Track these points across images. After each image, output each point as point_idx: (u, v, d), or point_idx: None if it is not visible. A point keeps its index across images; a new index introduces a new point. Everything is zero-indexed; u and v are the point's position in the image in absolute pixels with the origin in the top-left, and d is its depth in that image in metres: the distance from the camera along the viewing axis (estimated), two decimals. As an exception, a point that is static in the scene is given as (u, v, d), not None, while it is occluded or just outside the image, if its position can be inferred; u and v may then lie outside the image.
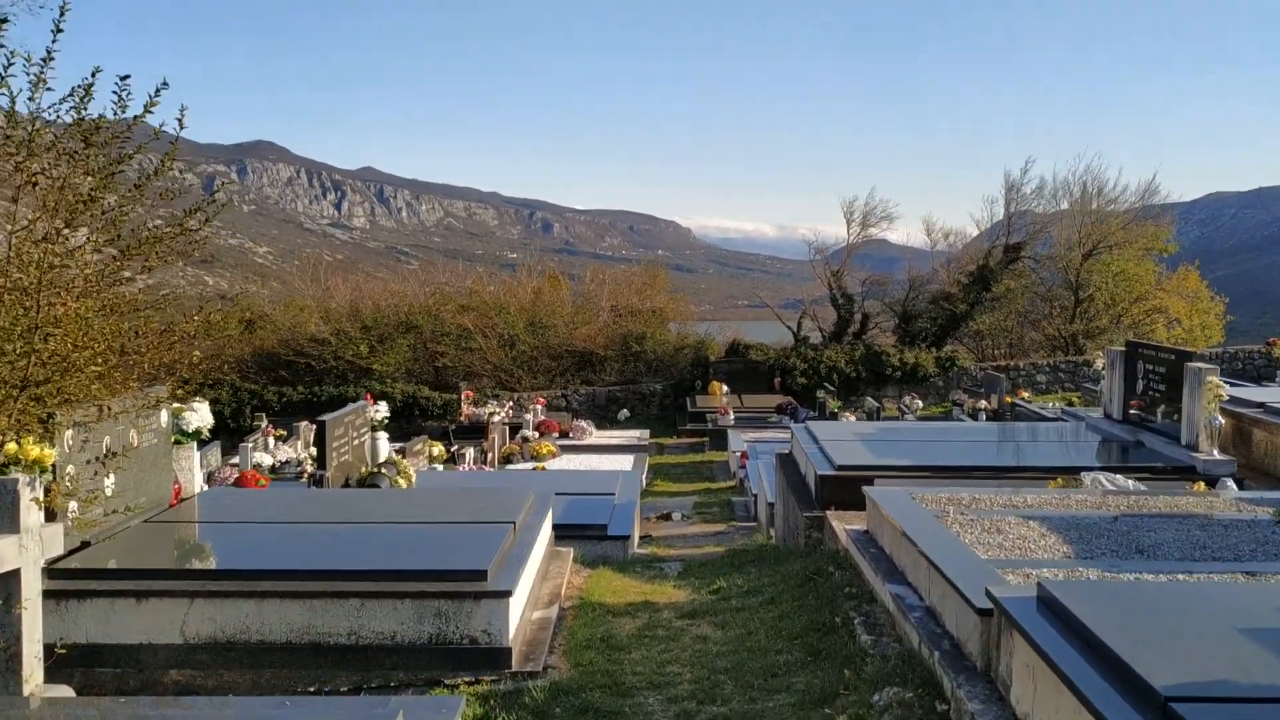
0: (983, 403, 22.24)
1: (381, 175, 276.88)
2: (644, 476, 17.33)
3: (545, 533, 6.32)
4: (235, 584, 4.71)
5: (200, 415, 6.42)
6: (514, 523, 5.64)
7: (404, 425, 25.96)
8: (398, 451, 11.70)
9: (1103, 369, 8.66)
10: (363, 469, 9.00)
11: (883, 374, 26.87)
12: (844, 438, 7.90)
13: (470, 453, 14.59)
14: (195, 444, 6.49)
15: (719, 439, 21.15)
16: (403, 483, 8.99)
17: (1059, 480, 6.17)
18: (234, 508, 6.07)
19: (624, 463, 18.03)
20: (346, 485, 8.79)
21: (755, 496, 11.97)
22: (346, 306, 28.07)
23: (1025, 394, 23.85)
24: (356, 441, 9.10)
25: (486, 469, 14.39)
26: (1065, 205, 30.65)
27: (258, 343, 28.84)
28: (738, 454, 16.60)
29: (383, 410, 10.58)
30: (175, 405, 6.41)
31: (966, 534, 4.76)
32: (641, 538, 11.22)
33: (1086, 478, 6.18)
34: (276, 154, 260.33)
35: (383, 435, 10.23)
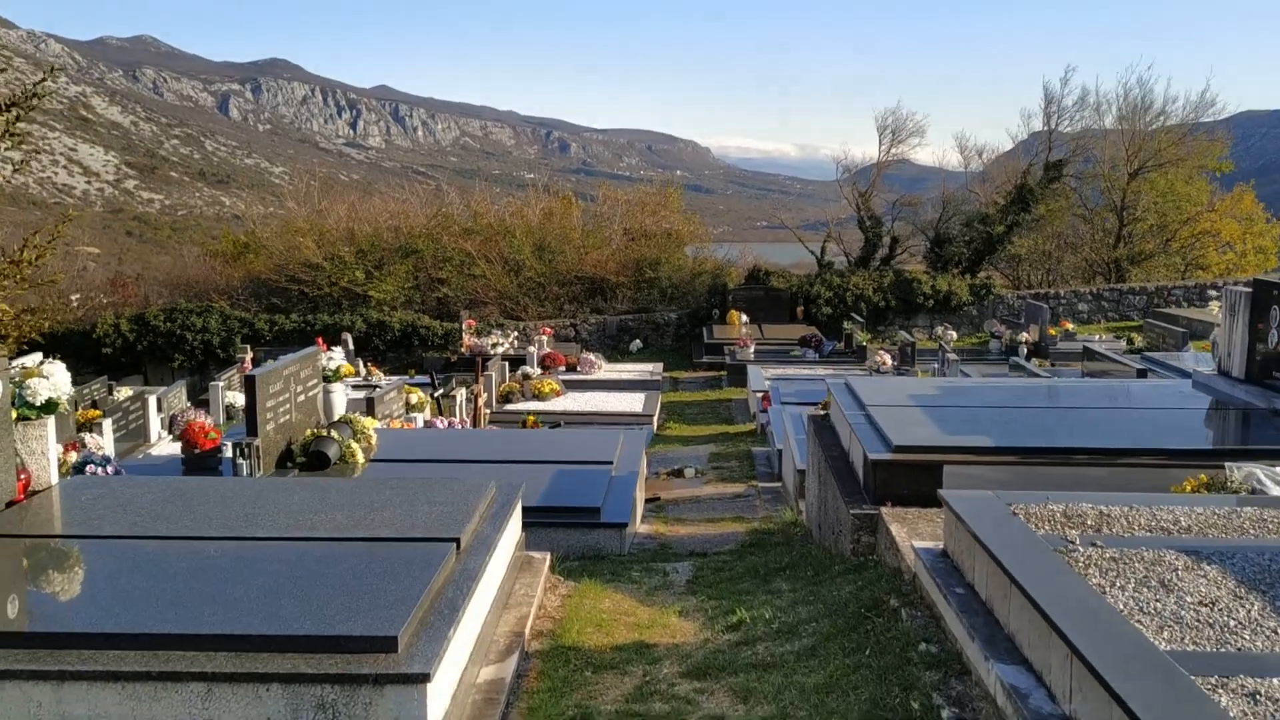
0: (1024, 335, 20.51)
1: (397, 94, 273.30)
2: (656, 417, 15.81)
3: (508, 543, 4.77)
4: (21, 655, 3.19)
5: (54, 383, 4.85)
6: (457, 540, 4.08)
7: (403, 356, 24.51)
8: (364, 403, 10.16)
9: (1218, 313, 7.11)
10: (308, 431, 7.45)
11: (913, 303, 25.13)
12: (896, 401, 6.27)
13: (461, 395, 13.07)
14: (51, 419, 4.95)
15: (738, 374, 19.56)
16: (359, 450, 7.44)
17: (1202, 479, 4.56)
18: (91, 509, 4.54)
19: (634, 402, 16.50)
20: (287, 453, 7.25)
21: (780, 452, 10.40)
22: (342, 230, 26.37)
23: (1069, 324, 22.09)
24: (303, 397, 7.53)
25: (470, 424, 12.84)
26: (1109, 121, 28.46)
27: (249, 268, 27.32)
28: (759, 395, 15.00)
29: (337, 357, 9.00)
30: (17, 369, 4.86)
31: (1115, 589, 3.16)
32: (648, 501, 9.69)
33: (1236, 471, 4.57)
34: (291, 72, 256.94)
35: (339, 387, 8.69)
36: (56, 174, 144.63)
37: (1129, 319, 25.79)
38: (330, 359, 8.72)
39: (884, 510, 5.01)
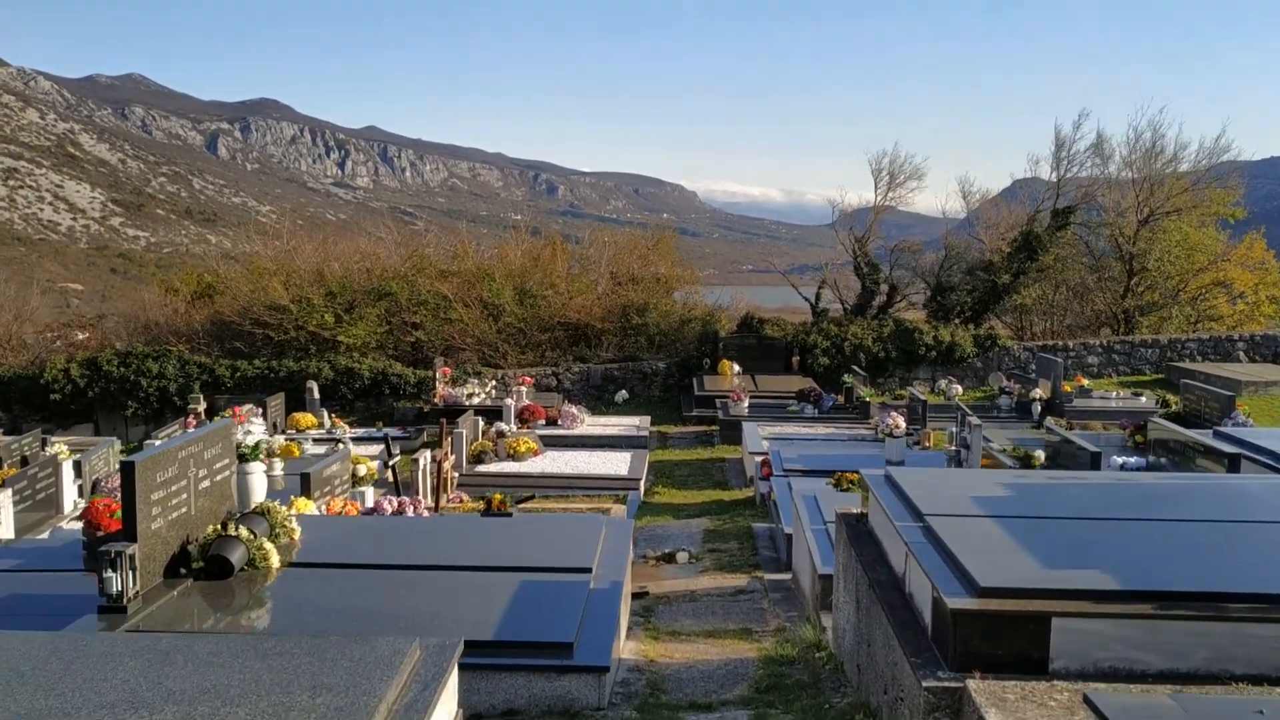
0: (1036, 391, 19.14)
1: (385, 135, 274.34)
2: (643, 481, 14.32)
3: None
4: None
5: None
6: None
7: (373, 405, 22.97)
8: (300, 479, 8.61)
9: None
10: (210, 527, 5.93)
11: (915, 354, 23.76)
12: (960, 508, 4.81)
13: (425, 459, 11.54)
14: None
15: (731, 430, 18.11)
16: (273, 551, 5.92)
17: None
18: None
19: (619, 463, 15.01)
20: (183, 555, 5.72)
21: (788, 537, 8.93)
22: (310, 270, 24.89)
23: (1083, 380, 20.73)
24: (207, 483, 6.01)
25: (430, 499, 11.28)
26: (1115, 166, 27.29)
27: (211, 310, 25.81)
28: (757, 459, 13.53)
29: (257, 431, 7.53)
30: None
31: None
32: (635, 597, 8.18)
33: None
34: (280, 112, 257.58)
35: (257, 467, 7.21)
36: (42, 210, 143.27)
37: (1141, 372, 24.49)
38: (248, 432, 7.24)
39: (972, 684, 3.54)
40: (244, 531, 5.91)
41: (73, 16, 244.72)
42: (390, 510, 7.95)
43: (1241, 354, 24.62)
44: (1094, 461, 9.16)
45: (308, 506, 7.77)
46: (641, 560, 9.69)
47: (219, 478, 6.29)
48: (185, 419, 15.73)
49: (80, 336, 28.94)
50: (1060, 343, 24.89)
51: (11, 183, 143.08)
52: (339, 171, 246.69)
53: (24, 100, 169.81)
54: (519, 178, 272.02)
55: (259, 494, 7.10)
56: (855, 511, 5.69)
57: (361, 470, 10.05)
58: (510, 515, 8.39)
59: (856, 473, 10.03)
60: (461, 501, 12.75)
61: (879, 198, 27.61)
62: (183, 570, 5.74)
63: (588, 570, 5.91)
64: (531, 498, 10.52)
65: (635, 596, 8.30)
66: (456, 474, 13.83)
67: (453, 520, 7.09)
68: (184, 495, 5.82)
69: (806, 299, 27.83)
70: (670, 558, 9.57)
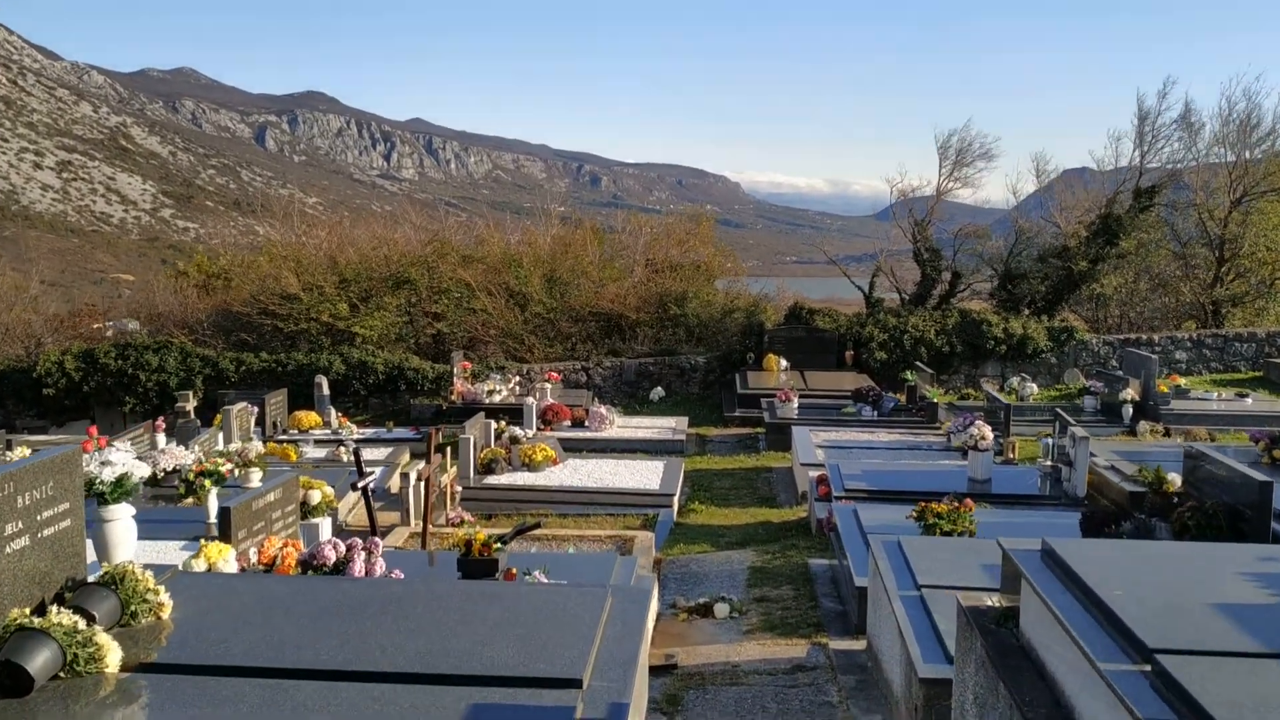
0: (1127, 391, 16.81)
1: (431, 127, 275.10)
2: (677, 496, 12.27)
3: None
4: None
5: None
6: None
7: (387, 402, 21.13)
8: (220, 516, 6.64)
9: None
10: (15, 613, 3.95)
11: (982, 348, 21.48)
12: (1209, 641, 2.71)
13: (413, 475, 9.52)
14: None
15: (779, 434, 16.00)
16: (110, 651, 3.93)
17: None
18: None
19: (650, 475, 12.96)
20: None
21: (860, 591, 6.84)
22: (322, 256, 23.06)
23: (1180, 379, 18.36)
24: (23, 542, 4.06)
25: (414, 534, 9.27)
26: (1204, 141, 24.68)
27: (219, 300, 24.10)
28: (812, 475, 11.42)
29: (120, 461, 5.54)
30: None
31: None
32: (656, 671, 6.16)
33: None
34: (327, 104, 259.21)
35: (120, 510, 5.27)
36: (95, 202, 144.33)
37: (1235, 370, 22.01)
38: (106, 463, 5.27)
39: None
40: (64, 619, 3.94)
41: (126, 12, 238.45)
42: (334, 558, 5.98)
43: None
44: (1263, 494, 6.98)
45: (220, 555, 5.82)
46: (670, 613, 7.65)
47: (49, 532, 4.34)
48: (155, 421, 13.89)
49: (100, 326, 27.46)
50: (1144, 336, 22.47)
51: (65, 175, 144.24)
52: (384, 164, 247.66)
53: (78, 94, 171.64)
54: (562, 169, 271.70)
55: (122, 550, 5.19)
56: (993, 606, 3.62)
57: (315, 497, 8.10)
58: (494, 562, 6.36)
59: (948, 502, 7.91)
60: (460, 522, 10.77)
61: (943, 178, 25.28)
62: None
63: (575, 684, 3.89)
64: (538, 525, 8.52)
65: (657, 672, 6.27)
66: (459, 488, 11.86)
67: (403, 587, 5.06)
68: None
69: (860, 288, 25.58)
70: (706, 610, 7.51)
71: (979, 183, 26.01)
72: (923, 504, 7.68)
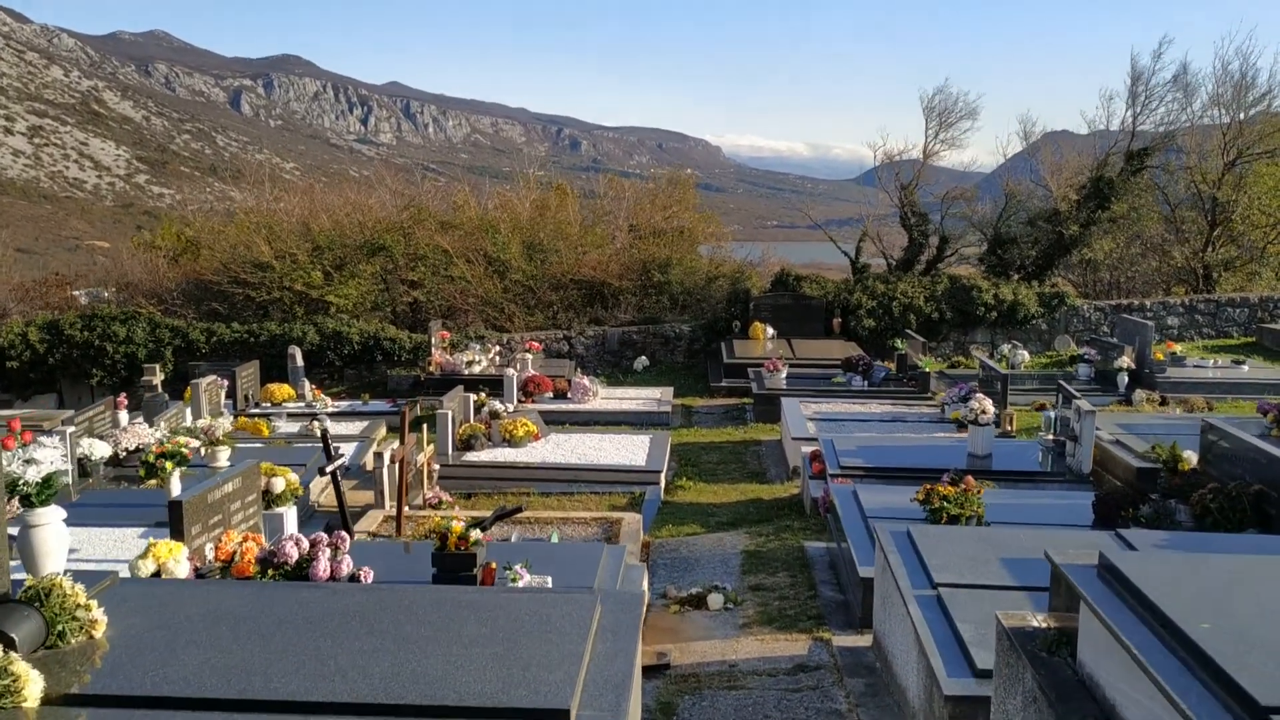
0: (1122, 359, 16.42)
1: (408, 90, 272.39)
2: (664, 473, 11.81)
3: None
4: None
5: None
6: None
7: (364, 374, 20.56)
8: (168, 508, 6.09)
9: None
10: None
11: (972, 314, 21.06)
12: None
13: (386, 456, 8.98)
14: None
15: (767, 405, 15.55)
16: (28, 683, 3.43)
17: None
18: None
19: (636, 449, 12.49)
20: None
21: (864, 582, 6.40)
22: (295, 223, 22.35)
23: (1175, 346, 17.99)
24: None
25: (388, 518, 8.76)
26: (1199, 103, 24.19)
27: (188, 268, 23.39)
28: (805, 450, 10.98)
29: (46, 459, 4.90)
30: None
31: None
32: (650, 672, 5.71)
33: None
34: (303, 68, 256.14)
35: (49, 514, 4.72)
36: (68, 168, 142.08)
37: (1228, 335, 21.69)
38: (30, 461, 4.71)
39: None
40: (-30, 645, 3.42)
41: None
42: (296, 556, 5.47)
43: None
44: (1293, 475, 6.56)
45: (170, 555, 5.30)
46: (661, 604, 7.20)
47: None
48: (118, 397, 13.29)
49: (72, 294, 26.66)
50: (1136, 302, 22.10)
51: (37, 141, 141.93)
52: (362, 128, 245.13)
53: (48, 58, 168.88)
54: (542, 133, 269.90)
55: (54, 558, 4.65)
56: (1041, 628, 3.14)
57: (278, 484, 7.56)
58: (472, 557, 5.87)
59: (948, 480, 7.47)
60: (439, 503, 10.28)
61: (929, 139, 24.72)
62: None
63: (562, 716, 3.41)
64: (519, 509, 8.03)
65: (651, 671, 5.81)
66: (437, 465, 11.36)
67: (369, 595, 4.57)
68: None
69: (846, 253, 25.08)
70: (700, 601, 7.06)
71: (965, 143, 25.55)
72: (928, 486, 7.22)
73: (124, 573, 5.20)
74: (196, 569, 5.67)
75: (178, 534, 5.72)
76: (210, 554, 5.84)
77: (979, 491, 7.19)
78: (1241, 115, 23.09)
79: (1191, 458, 7.92)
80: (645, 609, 7.06)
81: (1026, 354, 19.04)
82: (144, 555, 5.26)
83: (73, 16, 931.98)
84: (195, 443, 11.09)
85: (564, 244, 23.04)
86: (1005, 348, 19.50)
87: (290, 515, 7.54)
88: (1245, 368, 16.94)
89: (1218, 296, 22.07)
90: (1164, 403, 15.38)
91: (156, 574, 5.30)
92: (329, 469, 7.72)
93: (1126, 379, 16.18)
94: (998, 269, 23.15)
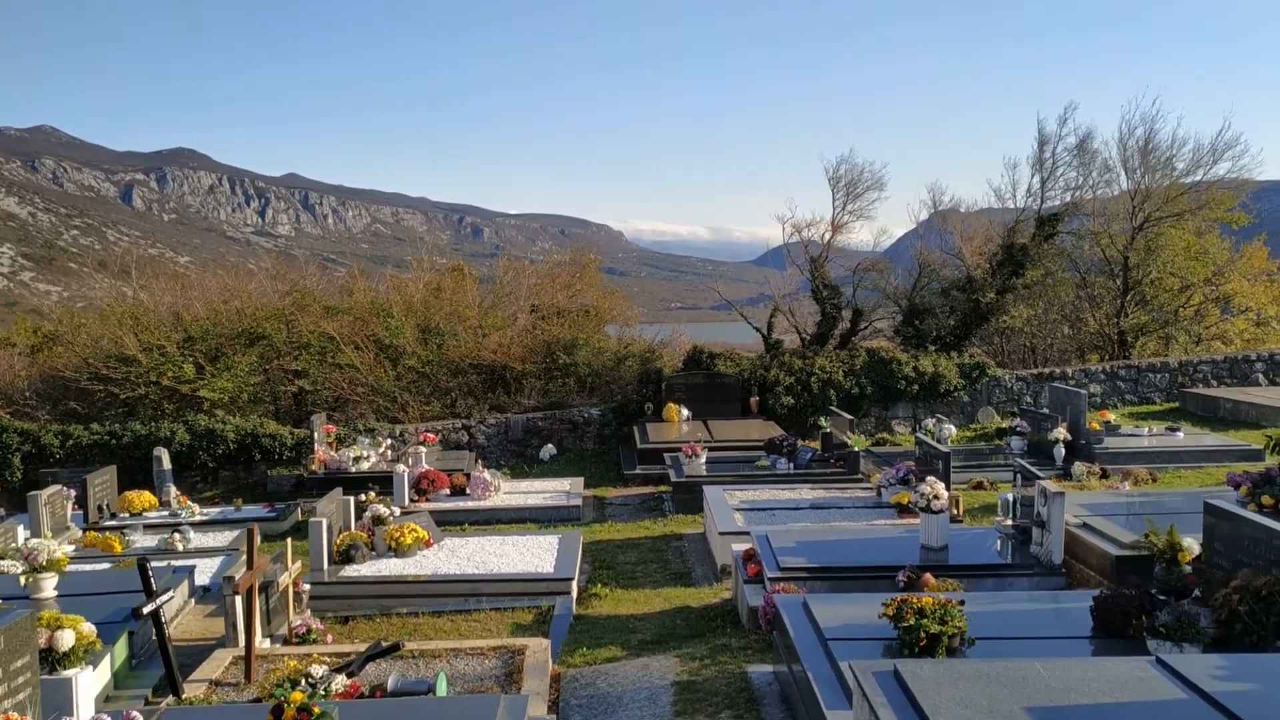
0: (1058, 430, 15.52)
1: (306, 181, 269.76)
2: (575, 581, 10.27)
3: None
4: None
5: None
6: None
7: (241, 475, 18.63)
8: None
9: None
10: None
11: (893, 388, 20.11)
12: None
13: (236, 582, 7.33)
14: None
15: (687, 494, 14.17)
16: None
17: None
18: None
19: (544, 553, 10.93)
20: None
21: (810, 690, 4.98)
22: (166, 312, 20.45)
23: (1109, 414, 17.21)
24: None
25: (236, 658, 7.07)
26: (1102, 166, 23.99)
27: (45, 364, 21.23)
28: (736, 548, 9.59)
29: None
30: None
31: None
32: None
33: None
34: (197, 161, 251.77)
35: None
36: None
37: (1150, 401, 21.13)
38: None
39: None
40: None
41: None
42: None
43: (1260, 376, 21.44)
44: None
45: None
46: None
47: None
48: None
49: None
50: (1057, 370, 21.43)
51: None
52: (259, 220, 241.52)
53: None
54: (443, 221, 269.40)
55: None
56: None
57: (66, 639, 5.83)
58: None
59: (913, 580, 6.15)
60: (307, 632, 8.57)
61: (837, 211, 24.00)
62: None
63: None
64: (397, 647, 6.43)
65: None
66: (306, 588, 9.64)
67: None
68: None
69: (758, 329, 24.07)
70: (624, 760, 5.54)
71: (873, 213, 24.93)
72: (899, 599, 5.89)
73: None
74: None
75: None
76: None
77: (958, 607, 5.87)
78: (1147, 179, 22.91)
79: (1193, 546, 6.75)
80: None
81: (953, 428, 18.12)
82: None
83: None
84: (19, 568, 9.28)
85: (462, 327, 21.56)
86: (930, 422, 18.58)
87: (85, 680, 5.79)
88: (1180, 434, 16.19)
89: (1138, 362, 21.56)
90: (1104, 475, 14.44)
91: None
92: (147, 610, 6.04)
93: (1064, 451, 15.26)
94: (914, 340, 22.35)
